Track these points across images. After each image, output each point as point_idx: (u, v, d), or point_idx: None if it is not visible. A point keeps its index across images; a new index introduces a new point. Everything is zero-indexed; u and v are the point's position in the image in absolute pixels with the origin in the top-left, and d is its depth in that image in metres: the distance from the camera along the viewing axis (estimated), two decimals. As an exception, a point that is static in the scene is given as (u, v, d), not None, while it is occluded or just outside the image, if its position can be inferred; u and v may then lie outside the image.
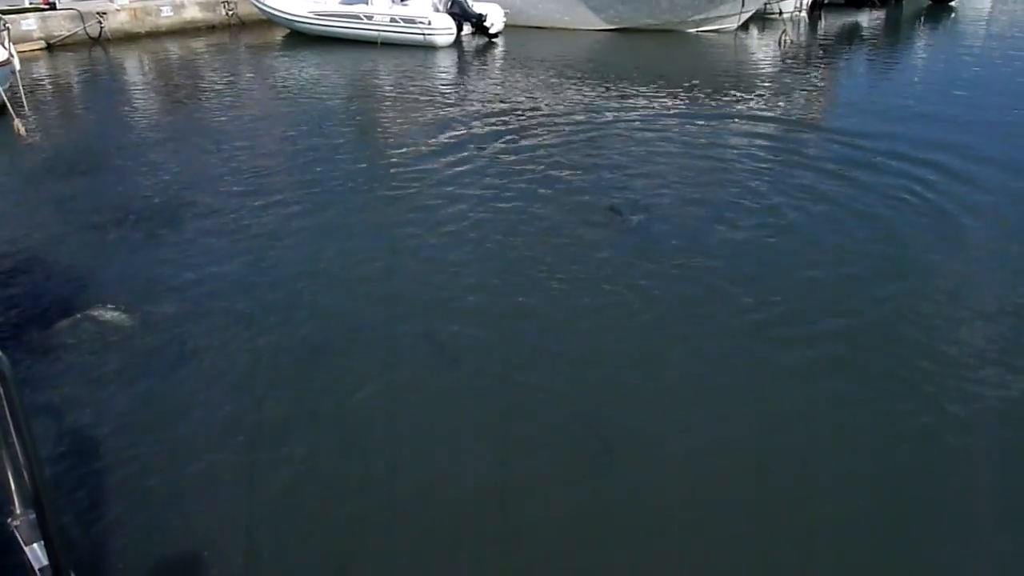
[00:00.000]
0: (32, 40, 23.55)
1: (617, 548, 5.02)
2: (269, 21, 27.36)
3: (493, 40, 25.31)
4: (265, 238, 9.72)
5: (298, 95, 18.22)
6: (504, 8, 25.86)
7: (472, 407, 6.45)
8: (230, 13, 28.39)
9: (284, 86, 19.39)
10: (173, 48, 24.96)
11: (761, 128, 14.87)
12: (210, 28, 27.94)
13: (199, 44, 25.62)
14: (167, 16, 27.07)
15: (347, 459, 5.86)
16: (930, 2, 33.61)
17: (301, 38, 26.00)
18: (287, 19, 26.34)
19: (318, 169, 12.35)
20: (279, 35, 26.91)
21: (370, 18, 24.63)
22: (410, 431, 6.14)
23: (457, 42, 24.53)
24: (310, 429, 6.14)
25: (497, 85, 19.33)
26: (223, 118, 15.96)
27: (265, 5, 26.54)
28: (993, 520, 5.22)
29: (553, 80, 19.61)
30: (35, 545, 2.28)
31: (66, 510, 5.12)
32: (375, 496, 5.46)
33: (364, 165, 12.65)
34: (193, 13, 27.79)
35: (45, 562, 2.22)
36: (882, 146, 13.25)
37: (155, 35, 26.51)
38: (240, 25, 28.41)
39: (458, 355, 7.16)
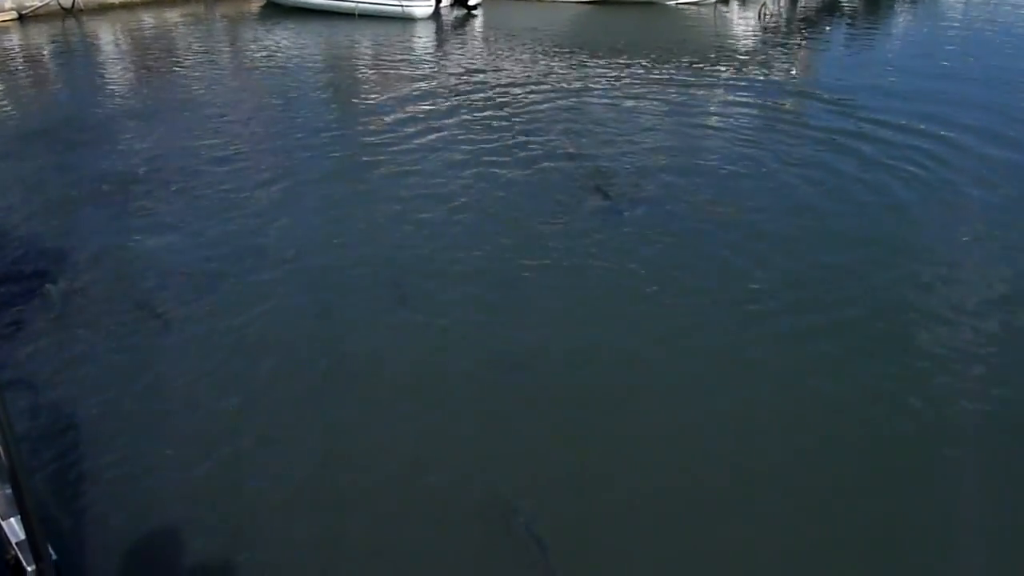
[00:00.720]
0: (4, 11, 23.08)
1: (594, 521, 5.13)
2: (245, -8, 26.93)
3: (472, 13, 25.09)
4: (241, 207, 9.69)
5: (275, 66, 18.00)
6: (484, -20, 25.63)
7: (452, 369, 6.51)
8: (205, -17, 27.90)
9: (261, 57, 19.13)
10: (147, 19, 24.54)
11: (742, 97, 15.05)
12: (185, -1, 27.46)
13: (174, 15, 25.19)
14: (141, -14, 26.56)
15: (327, 426, 5.91)
16: (910, -24, 33.51)
17: (277, 9, 25.61)
18: (264, -10, 25.94)
19: (295, 139, 12.30)
20: (255, 6, 26.49)
21: (348, -11, 24.32)
22: (393, 398, 6.19)
23: (436, 14, 24.30)
24: (288, 397, 6.18)
25: (477, 57, 19.21)
26: (198, 89, 15.76)
27: (241, -25, 26.11)
28: (987, 527, 5.22)
29: (534, 52, 19.55)
30: (12, 519, 2.31)
31: (42, 484, 5.15)
32: (360, 465, 5.52)
33: (341, 136, 12.61)
34: (168, -17, 27.29)
35: (22, 536, 2.25)
36: (864, 110, 13.63)
37: (129, 6, 26.00)
38: (216, -5, 27.94)
39: (434, 321, 7.20)
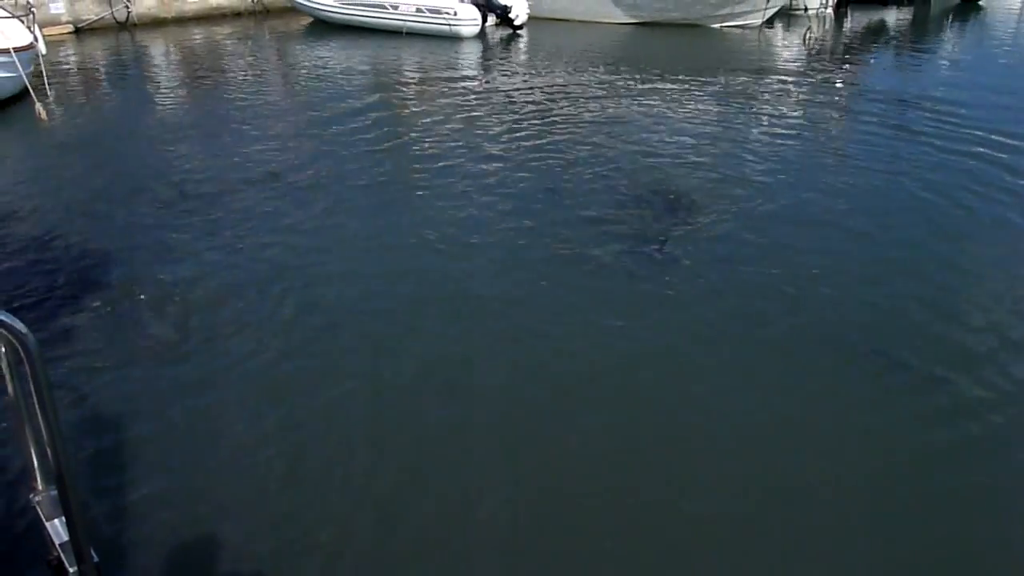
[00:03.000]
0: (60, 24, 23.79)
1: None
2: (293, 8, 27.45)
3: (518, 32, 25.27)
4: (286, 222, 9.79)
5: (323, 83, 18.28)
6: (528, 0, 25.81)
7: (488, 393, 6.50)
8: (255, 0, 28.52)
9: (309, 73, 19.46)
10: (198, 34, 25.14)
11: (790, 119, 15.05)
12: (235, 15, 28.10)
13: (224, 30, 25.78)
14: (193, 2, 27.23)
15: (378, 432, 5.91)
16: (959, 0, 33.19)
17: (325, 26, 26.08)
18: (312, 7, 26.41)
19: (341, 157, 12.42)
20: (303, 22, 27.02)
21: (396, 8, 24.65)
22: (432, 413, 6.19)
23: (482, 33, 24.52)
24: (335, 407, 6.19)
25: (525, 75, 19.33)
26: (247, 104, 16.03)
27: (290, -8, 26.65)
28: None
29: (580, 71, 19.67)
30: (56, 521, 2.33)
31: (87, 487, 5.23)
32: (409, 473, 5.52)
33: (388, 154, 12.73)
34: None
35: (65, 538, 2.28)
36: (917, 132, 13.65)
37: (181, 21, 26.69)
38: (264, 12, 28.55)
39: (477, 354, 7.20)
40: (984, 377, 6.65)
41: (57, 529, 2.33)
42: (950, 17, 30.76)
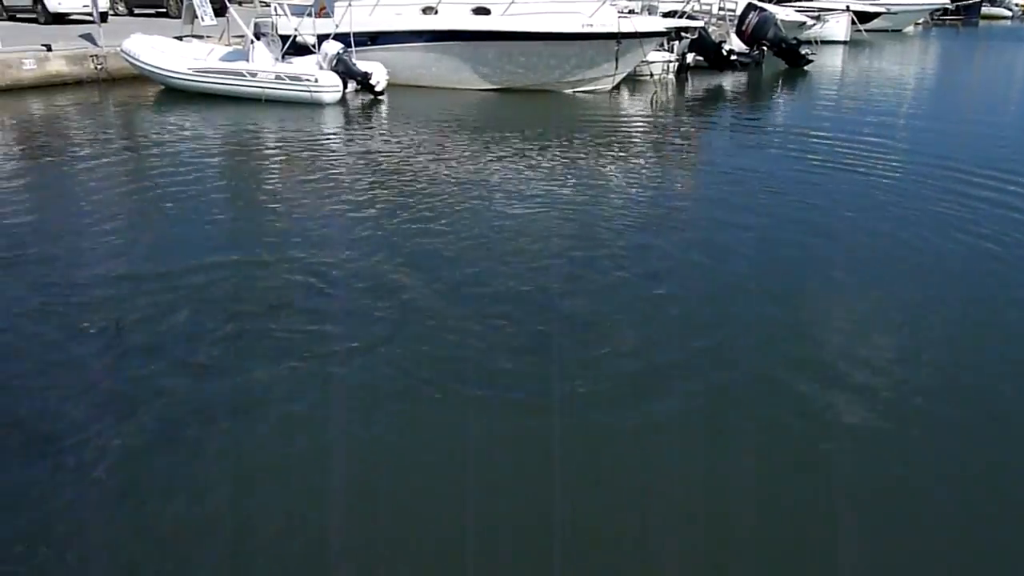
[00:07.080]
0: None
1: None
2: (141, 76, 26.41)
3: (379, 98, 25.33)
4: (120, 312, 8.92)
5: (175, 155, 17.38)
6: (387, 67, 25.97)
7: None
8: (99, 67, 27.28)
9: (159, 146, 18.49)
10: (36, 104, 23.72)
11: (652, 171, 16.74)
12: (77, 83, 26.74)
13: (65, 100, 24.42)
14: (30, 69, 25.74)
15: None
16: (786, 65, 36.13)
17: (178, 94, 25.20)
18: (162, 74, 25.48)
19: (192, 231, 11.87)
20: (152, 91, 26.02)
21: (254, 75, 24.17)
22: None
23: (343, 100, 24.42)
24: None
25: (388, 142, 19.32)
26: (89, 180, 14.98)
27: (138, 60, 25.60)
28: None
29: (445, 135, 20.00)
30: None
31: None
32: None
33: (247, 224, 12.39)
34: (59, 67, 26.53)
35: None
36: (751, 189, 14.78)
37: (16, 90, 25.14)
38: (110, 80, 27.32)
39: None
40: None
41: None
42: (780, 80, 33.46)
